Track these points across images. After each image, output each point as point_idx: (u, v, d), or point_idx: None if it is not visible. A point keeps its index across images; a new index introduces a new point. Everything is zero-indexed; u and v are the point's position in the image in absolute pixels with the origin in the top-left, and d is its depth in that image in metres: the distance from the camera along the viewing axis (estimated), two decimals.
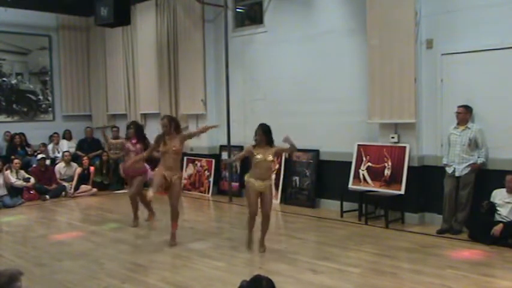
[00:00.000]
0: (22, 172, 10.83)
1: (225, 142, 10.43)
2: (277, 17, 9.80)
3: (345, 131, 8.80)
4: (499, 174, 6.87)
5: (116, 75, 13.20)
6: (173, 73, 11.58)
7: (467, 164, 7.14)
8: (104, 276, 5.75)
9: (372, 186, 8.25)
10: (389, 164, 8.08)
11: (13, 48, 12.95)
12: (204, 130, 7.30)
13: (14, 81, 13.02)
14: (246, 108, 10.35)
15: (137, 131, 8.34)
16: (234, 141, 10.21)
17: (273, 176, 9.79)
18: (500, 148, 7.06)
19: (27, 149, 12.34)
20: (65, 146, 12.74)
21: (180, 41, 11.29)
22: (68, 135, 13.18)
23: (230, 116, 10.22)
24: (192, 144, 11.39)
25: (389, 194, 7.94)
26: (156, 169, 6.96)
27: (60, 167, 11.52)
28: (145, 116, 12.59)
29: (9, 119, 12.89)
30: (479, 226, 6.80)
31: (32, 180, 10.76)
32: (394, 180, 7.99)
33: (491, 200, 6.85)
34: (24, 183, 10.65)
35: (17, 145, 12.11)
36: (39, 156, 11.54)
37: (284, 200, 9.69)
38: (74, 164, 11.69)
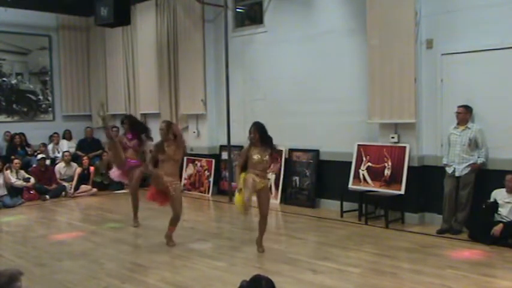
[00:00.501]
0: (22, 172, 10.84)
1: (225, 142, 10.44)
2: (277, 17, 9.80)
3: (345, 131, 8.80)
4: (499, 174, 6.86)
5: (116, 75, 13.20)
6: (173, 73, 11.58)
7: (467, 164, 7.14)
8: (104, 276, 5.75)
9: (372, 186, 8.25)
10: (389, 164, 8.08)
11: (13, 48, 12.95)
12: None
13: (14, 81, 13.01)
14: (246, 108, 10.35)
15: (132, 125, 8.15)
16: (234, 141, 10.21)
17: (273, 176, 9.82)
18: (500, 148, 7.06)
19: (27, 149, 12.33)
20: (65, 146, 12.74)
21: (180, 41, 11.29)
22: (68, 135, 13.18)
23: (230, 116, 10.22)
24: (192, 144, 11.41)
25: (389, 194, 7.94)
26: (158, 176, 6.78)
27: (60, 167, 11.52)
28: (145, 116, 12.58)
29: (9, 119, 12.88)
30: (479, 226, 6.80)
31: (32, 180, 10.76)
32: (394, 180, 7.99)
33: (491, 200, 6.85)
34: (24, 183, 10.65)
35: (17, 145, 12.11)
36: (39, 156, 11.54)
37: (284, 200, 9.69)
38: (74, 164, 11.70)
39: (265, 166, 6.29)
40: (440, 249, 6.53)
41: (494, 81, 7.12)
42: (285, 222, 8.61)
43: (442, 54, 7.58)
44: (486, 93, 7.18)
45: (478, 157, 7.12)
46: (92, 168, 11.66)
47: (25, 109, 13.19)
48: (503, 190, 6.75)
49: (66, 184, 11.26)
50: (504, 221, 6.59)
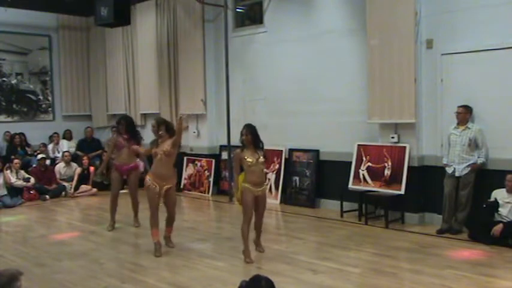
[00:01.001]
0: (22, 172, 10.84)
1: (225, 142, 10.43)
2: (277, 17, 9.80)
3: (345, 131, 8.80)
4: (499, 174, 6.86)
5: (116, 75, 13.20)
6: (173, 73, 11.58)
7: (467, 164, 7.14)
8: (103, 276, 5.75)
9: (372, 186, 8.25)
10: (389, 164, 8.08)
11: (13, 48, 12.94)
12: (179, 125, 6.70)
13: (14, 81, 13.01)
14: (246, 108, 10.35)
15: (128, 126, 8.01)
16: (234, 141, 10.19)
17: (273, 176, 9.82)
18: (500, 148, 7.06)
19: (27, 149, 12.34)
20: (65, 146, 12.74)
21: (180, 41, 11.29)
22: (68, 135, 13.19)
23: (230, 116, 10.22)
24: (192, 144, 11.42)
25: (389, 194, 7.94)
26: (145, 182, 6.56)
27: (60, 167, 11.52)
28: (145, 116, 12.59)
29: (9, 119, 12.88)
30: (479, 226, 6.80)
31: (32, 180, 10.76)
32: (394, 180, 7.99)
33: (491, 200, 6.85)
34: (24, 183, 10.65)
35: (17, 145, 12.11)
36: (39, 156, 11.54)
37: (284, 200, 9.68)
38: (74, 164, 11.70)
39: (261, 168, 6.16)
40: (440, 249, 6.53)
41: (494, 81, 7.12)
42: (285, 222, 8.61)
43: (442, 54, 7.58)
44: (486, 93, 7.18)
45: (478, 157, 7.12)
46: (92, 168, 11.65)
47: (25, 109, 13.18)
48: (504, 190, 6.75)
49: (66, 184, 11.26)
50: (504, 221, 6.59)
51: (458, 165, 7.20)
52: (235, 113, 10.22)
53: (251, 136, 6.06)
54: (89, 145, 12.93)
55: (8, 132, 12.45)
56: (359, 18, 8.40)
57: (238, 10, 10.78)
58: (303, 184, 9.50)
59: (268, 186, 9.73)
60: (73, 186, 11.24)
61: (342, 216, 8.41)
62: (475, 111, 7.25)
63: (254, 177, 6.07)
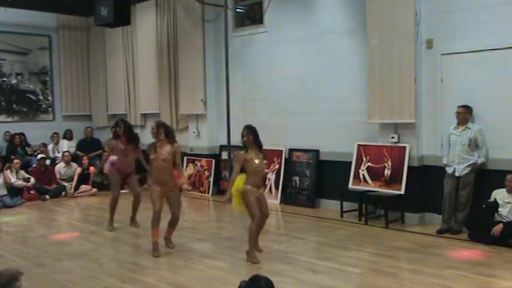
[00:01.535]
0: (22, 172, 10.84)
1: (225, 142, 10.43)
2: (277, 17, 9.80)
3: (345, 131, 8.79)
4: (499, 174, 6.86)
5: (116, 75, 13.20)
6: (173, 73, 11.58)
7: (467, 164, 7.14)
8: (103, 276, 5.75)
9: (372, 186, 8.25)
10: (390, 164, 8.08)
11: (13, 48, 12.94)
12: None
13: (14, 81, 13.01)
14: (246, 108, 10.35)
15: (126, 129, 7.93)
16: (234, 141, 10.19)
17: (273, 176, 9.82)
18: (500, 148, 7.06)
19: (27, 149, 12.34)
20: (65, 146, 12.74)
21: (180, 41, 11.29)
22: (69, 135, 13.19)
23: (230, 116, 10.22)
24: (192, 144, 11.42)
25: (389, 194, 7.94)
26: (149, 185, 6.60)
27: (60, 167, 11.53)
28: (145, 116, 12.59)
29: (9, 119, 12.88)
30: (479, 226, 6.80)
31: (32, 180, 10.76)
32: (394, 180, 7.99)
33: (491, 200, 6.85)
34: (24, 183, 10.65)
35: (17, 145, 12.11)
36: (39, 156, 11.55)
37: (284, 200, 9.68)
38: (74, 164, 11.70)
39: (263, 170, 6.18)
40: (440, 249, 6.53)
41: (494, 81, 7.12)
42: (285, 222, 8.61)
43: (442, 54, 7.58)
44: (486, 93, 7.17)
45: (478, 157, 7.12)
46: (91, 168, 11.65)
47: (25, 109, 13.18)
48: (504, 190, 6.75)
49: (66, 184, 11.26)
50: (504, 221, 6.59)
51: (458, 165, 7.20)
52: (235, 113, 10.22)
53: (252, 136, 6.03)
54: (89, 145, 12.94)
55: (8, 132, 12.45)
56: (359, 18, 8.40)
57: (238, 10, 10.78)
58: (303, 184, 9.50)
59: (268, 186, 9.75)
60: (73, 186, 11.24)
61: (342, 216, 8.41)
62: (475, 111, 7.25)
63: (257, 179, 6.07)
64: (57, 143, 12.75)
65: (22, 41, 13.00)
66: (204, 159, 11.20)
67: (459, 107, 7.22)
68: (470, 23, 7.28)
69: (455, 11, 7.43)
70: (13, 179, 10.52)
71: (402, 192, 7.84)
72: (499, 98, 7.08)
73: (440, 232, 7.23)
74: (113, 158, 7.97)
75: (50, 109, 13.59)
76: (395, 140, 8.03)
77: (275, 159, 9.81)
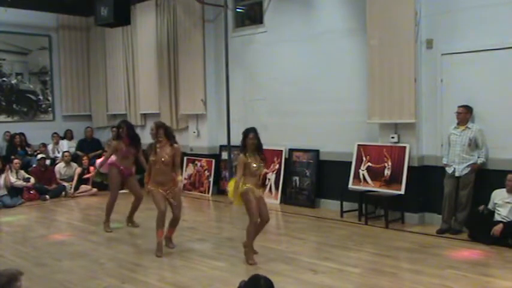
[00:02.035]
0: (22, 172, 10.84)
1: (225, 142, 10.43)
2: (277, 17, 9.80)
3: (345, 131, 8.80)
4: (499, 174, 6.86)
5: (116, 75, 13.20)
6: (173, 73, 11.58)
7: (467, 164, 7.14)
8: (104, 276, 5.75)
9: (372, 186, 8.25)
10: (390, 164, 8.08)
11: (13, 48, 12.95)
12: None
13: (14, 81, 13.01)
14: (246, 108, 10.35)
15: (129, 130, 7.88)
16: (234, 141, 10.20)
17: (273, 176, 9.82)
18: (500, 148, 7.06)
19: (27, 149, 12.34)
20: (65, 146, 12.75)
21: (180, 41, 11.29)
22: (69, 135, 13.19)
23: (230, 116, 10.22)
24: (192, 144, 11.42)
25: (389, 194, 7.94)
26: (149, 188, 6.57)
27: (60, 167, 11.53)
28: (145, 116, 12.59)
29: (9, 119, 12.88)
30: (479, 226, 6.80)
31: (32, 180, 10.76)
32: (394, 180, 7.99)
33: (491, 200, 6.85)
34: (24, 183, 10.65)
35: (17, 145, 12.11)
36: (39, 156, 11.55)
37: (284, 200, 9.68)
38: (74, 164, 11.70)
39: (261, 171, 6.22)
40: (440, 249, 6.53)
41: (494, 81, 7.12)
42: (285, 222, 8.61)
43: (442, 54, 7.58)
44: (486, 93, 7.18)
45: (478, 157, 7.12)
46: (91, 168, 11.65)
47: (25, 109, 13.18)
48: (504, 190, 6.75)
49: (66, 184, 11.26)
50: (504, 221, 6.59)
51: (458, 165, 7.20)
52: (235, 113, 10.22)
53: (257, 141, 6.07)
54: (89, 145, 12.94)
55: (8, 132, 12.45)
56: (359, 18, 8.40)
57: (238, 10, 10.78)
58: (303, 184, 9.50)
59: (268, 186, 9.76)
60: (73, 186, 11.24)
61: (342, 216, 8.41)
62: (475, 111, 7.25)
63: (255, 180, 6.11)
64: (57, 143, 12.75)
65: (22, 41, 13.01)
66: (204, 159, 11.20)
67: (459, 107, 7.22)
68: (470, 23, 7.28)
69: (455, 11, 7.44)
70: (13, 179, 10.52)
71: (402, 192, 7.84)
72: (499, 98, 7.08)
73: (440, 232, 7.23)
74: (113, 158, 7.97)
75: (50, 109, 13.59)
76: (395, 140, 8.03)
77: (275, 159, 9.81)
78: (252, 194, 6.00)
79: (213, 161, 11.02)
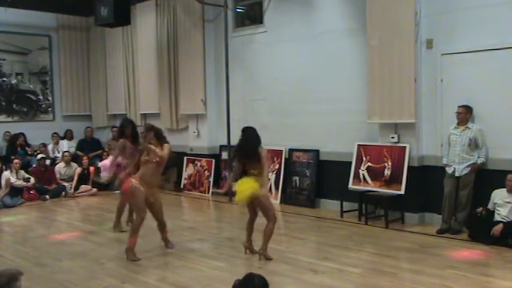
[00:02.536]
0: (22, 172, 10.83)
1: (225, 142, 10.43)
2: (277, 17, 9.80)
3: (345, 131, 8.80)
4: (499, 174, 6.86)
5: (116, 75, 13.20)
6: (173, 73, 11.58)
7: (467, 164, 7.14)
8: (104, 276, 5.75)
9: (372, 186, 8.25)
10: (390, 164, 8.08)
11: (13, 48, 12.95)
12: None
13: (14, 81, 13.02)
14: (246, 108, 10.35)
15: (134, 129, 7.85)
16: (234, 141, 10.19)
17: (273, 176, 9.81)
18: (500, 148, 7.06)
19: (27, 149, 12.34)
20: (65, 146, 12.74)
21: (180, 41, 11.29)
22: (69, 135, 13.19)
23: (230, 116, 10.22)
24: (192, 144, 11.42)
25: (389, 194, 7.94)
26: (134, 185, 6.29)
27: (60, 167, 11.52)
28: (145, 116, 12.59)
29: (9, 119, 12.88)
30: (479, 226, 6.79)
31: (32, 180, 10.76)
32: (394, 180, 7.99)
33: (491, 200, 6.84)
34: (24, 183, 10.65)
35: (18, 145, 12.11)
36: (39, 156, 11.55)
37: (284, 200, 9.68)
38: (74, 164, 11.70)
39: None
40: (440, 249, 6.53)
41: (494, 81, 7.12)
42: (285, 222, 8.61)
43: (442, 54, 7.58)
44: (486, 93, 7.18)
45: (478, 157, 7.12)
46: (92, 168, 11.66)
47: (25, 109, 13.18)
48: (504, 190, 6.75)
49: (66, 184, 11.26)
50: (504, 221, 6.59)
51: (458, 165, 7.20)
52: (235, 113, 10.22)
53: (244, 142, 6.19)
54: (89, 145, 12.94)
55: (8, 132, 12.45)
56: (359, 18, 8.40)
57: (238, 10, 10.78)
58: (303, 184, 9.50)
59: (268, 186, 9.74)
60: (73, 186, 11.24)
61: (342, 216, 8.41)
62: (475, 111, 7.25)
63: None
64: (57, 143, 12.75)
65: (22, 41, 13.00)
66: (204, 159, 11.20)
67: (459, 107, 7.22)
68: (470, 23, 7.28)
69: (455, 11, 7.44)
70: (13, 179, 10.51)
71: (402, 192, 7.84)
72: (499, 98, 7.08)
73: (440, 232, 7.23)
74: (119, 159, 7.92)
75: (50, 109, 13.59)
76: (395, 140, 8.03)
77: (275, 159, 9.81)
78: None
79: (213, 161, 11.02)
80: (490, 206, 6.87)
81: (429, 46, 7.70)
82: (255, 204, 6.16)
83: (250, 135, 6.16)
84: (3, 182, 10.32)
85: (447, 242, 6.87)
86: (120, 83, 13.09)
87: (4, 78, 12.85)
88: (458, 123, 7.24)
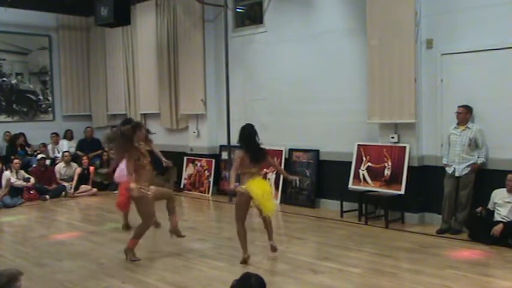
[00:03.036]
0: (22, 172, 10.83)
1: (225, 142, 10.43)
2: (277, 17, 9.80)
3: (345, 131, 8.80)
4: (499, 174, 6.87)
5: (116, 75, 13.20)
6: (173, 73, 11.58)
7: (467, 164, 7.14)
8: (104, 276, 5.76)
9: (372, 186, 8.25)
10: (389, 164, 8.08)
11: (13, 48, 12.94)
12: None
13: (14, 81, 13.01)
14: (246, 108, 10.35)
15: (148, 131, 7.74)
16: (234, 141, 10.18)
17: (273, 176, 9.82)
18: (500, 148, 7.06)
19: (27, 149, 12.34)
20: (65, 146, 12.75)
21: (180, 41, 11.29)
22: (69, 135, 13.19)
23: (230, 116, 10.22)
24: (192, 144, 11.42)
25: (389, 194, 7.94)
26: (141, 193, 6.13)
27: (60, 167, 11.52)
28: (145, 116, 12.59)
29: (9, 119, 12.88)
30: (479, 226, 6.79)
31: (32, 180, 10.76)
32: (394, 180, 7.99)
33: (491, 200, 6.85)
34: (24, 183, 10.65)
35: (18, 145, 12.11)
36: (39, 156, 11.55)
37: (284, 200, 9.68)
38: (74, 164, 11.70)
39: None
40: (440, 249, 6.53)
41: (494, 81, 7.12)
42: (285, 222, 8.61)
43: (442, 54, 7.58)
44: (486, 93, 7.18)
45: (478, 157, 7.12)
46: (91, 168, 11.66)
47: (25, 109, 13.18)
48: (504, 190, 6.75)
49: (66, 184, 11.26)
50: (504, 221, 6.59)
51: (458, 165, 7.20)
52: (235, 113, 10.22)
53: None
54: (89, 145, 12.94)
55: (8, 132, 12.45)
56: (359, 18, 8.40)
57: (238, 10, 10.78)
58: (303, 184, 9.50)
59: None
60: (73, 186, 11.24)
61: (342, 216, 8.41)
62: (475, 111, 7.25)
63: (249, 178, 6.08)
64: (56, 143, 12.75)
65: (22, 41, 13.00)
66: (204, 159, 11.20)
67: (459, 107, 7.22)
68: (470, 23, 7.28)
69: (455, 11, 7.44)
70: (13, 179, 10.51)
71: (402, 192, 7.84)
72: (499, 98, 7.08)
73: (440, 232, 7.23)
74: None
75: (50, 109, 13.59)
76: (395, 140, 8.03)
77: (275, 159, 9.78)
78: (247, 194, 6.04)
79: (213, 161, 11.02)
80: (490, 206, 6.87)
81: (429, 46, 7.71)
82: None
83: (256, 135, 6.08)
84: (3, 182, 10.31)
85: (447, 242, 6.87)
86: (120, 83, 13.09)
87: (4, 78, 12.85)
88: (458, 123, 7.24)
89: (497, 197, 6.79)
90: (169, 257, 6.47)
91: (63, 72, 13.61)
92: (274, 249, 6.25)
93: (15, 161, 10.77)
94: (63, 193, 11.14)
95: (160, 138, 10.92)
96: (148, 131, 7.76)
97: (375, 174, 8.25)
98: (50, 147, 12.64)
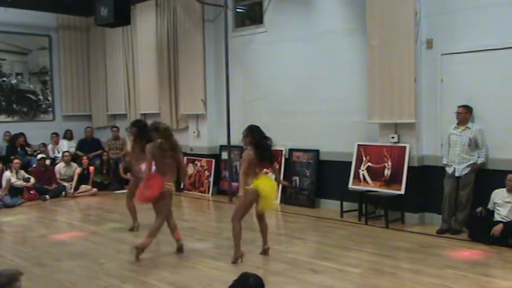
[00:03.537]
0: (22, 172, 10.83)
1: (225, 142, 10.43)
2: (277, 17, 9.80)
3: (345, 131, 8.80)
4: (499, 174, 6.87)
5: (116, 75, 13.20)
6: (173, 73, 11.58)
7: (467, 164, 7.14)
8: (103, 276, 5.75)
9: (372, 186, 8.25)
10: (389, 164, 8.08)
11: (13, 48, 12.95)
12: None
13: (14, 81, 13.02)
14: (246, 108, 10.35)
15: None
16: (234, 141, 10.20)
17: (273, 175, 9.81)
18: (500, 148, 7.06)
19: (27, 149, 12.34)
20: (65, 146, 12.74)
21: (180, 41, 11.29)
22: (69, 135, 13.19)
23: (230, 116, 10.22)
24: (192, 144, 11.42)
25: (389, 194, 7.94)
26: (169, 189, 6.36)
27: (60, 167, 11.52)
28: (145, 116, 12.57)
29: (9, 119, 12.88)
30: (479, 226, 6.79)
31: (32, 180, 10.76)
32: (394, 180, 7.99)
33: (491, 200, 6.85)
34: (24, 183, 10.65)
35: (18, 145, 12.11)
36: (39, 156, 11.54)
37: (284, 200, 9.68)
38: (74, 164, 11.70)
39: None
40: (440, 249, 6.53)
41: (494, 81, 7.12)
42: (285, 222, 8.61)
43: (442, 54, 7.58)
44: (486, 93, 7.18)
45: (478, 157, 7.12)
46: (91, 168, 11.66)
47: (25, 109, 13.18)
48: (504, 190, 6.75)
49: (66, 184, 11.26)
50: (504, 221, 6.59)
51: (458, 165, 7.20)
52: (235, 113, 10.22)
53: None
54: (89, 145, 12.94)
55: (8, 132, 12.45)
56: (359, 18, 8.40)
57: (238, 10, 10.78)
58: (303, 184, 9.50)
59: None
60: (73, 186, 11.24)
61: (342, 216, 8.41)
62: (475, 111, 7.25)
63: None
64: (56, 143, 12.74)
65: (22, 41, 13.01)
66: (204, 159, 11.20)
67: (459, 107, 7.22)
68: (470, 23, 7.28)
69: (455, 11, 7.44)
70: (13, 179, 10.51)
71: (402, 192, 7.84)
72: (499, 98, 7.08)
73: (440, 232, 7.23)
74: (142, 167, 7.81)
75: (50, 109, 13.59)
76: (395, 140, 8.03)
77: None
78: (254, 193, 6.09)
79: (213, 161, 11.02)
80: (490, 206, 6.87)
81: (429, 46, 7.70)
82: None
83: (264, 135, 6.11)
84: (4, 183, 10.31)
85: (447, 242, 6.87)
86: (120, 83, 13.09)
87: (4, 78, 12.85)
88: (458, 123, 7.25)
89: (497, 197, 6.79)
90: (169, 257, 6.47)
91: (63, 72, 13.61)
92: (267, 252, 6.31)
93: (15, 161, 10.77)
94: (63, 193, 11.13)
95: None
96: None
97: (375, 174, 8.25)
98: (50, 147, 12.64)
